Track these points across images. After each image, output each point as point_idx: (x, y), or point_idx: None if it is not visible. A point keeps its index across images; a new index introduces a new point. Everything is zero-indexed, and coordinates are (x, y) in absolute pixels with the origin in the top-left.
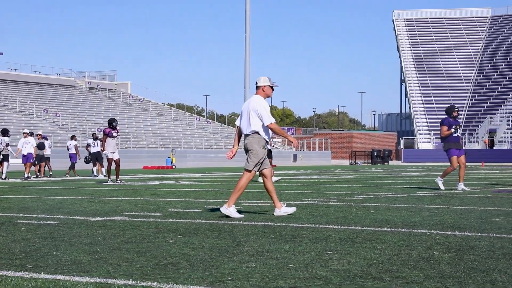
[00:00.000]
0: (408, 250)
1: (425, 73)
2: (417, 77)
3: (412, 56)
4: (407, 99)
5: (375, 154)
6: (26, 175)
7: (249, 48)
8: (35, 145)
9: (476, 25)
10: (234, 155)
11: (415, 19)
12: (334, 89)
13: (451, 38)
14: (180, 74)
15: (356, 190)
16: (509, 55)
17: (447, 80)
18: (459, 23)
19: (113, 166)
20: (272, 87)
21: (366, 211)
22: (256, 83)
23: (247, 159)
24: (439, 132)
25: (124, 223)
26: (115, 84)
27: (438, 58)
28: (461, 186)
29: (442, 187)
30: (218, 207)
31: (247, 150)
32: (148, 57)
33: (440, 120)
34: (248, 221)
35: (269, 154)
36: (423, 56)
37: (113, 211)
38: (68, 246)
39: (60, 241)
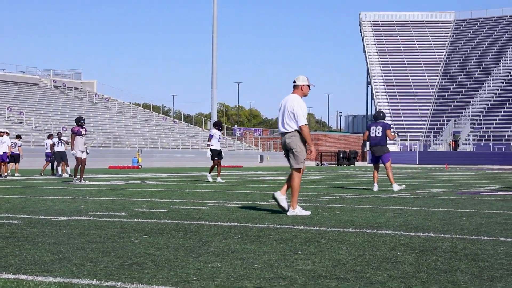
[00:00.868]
0: (372, 250)
1: (391, 75)
2: (383, 79)
3: (378, 58)
4: (373, 101)
5: (341, 155)
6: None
7: (216, 48)
8: (10, 144)
9: (441, 28)
10: None
11: (381, 21)
12: None
13: (417, 41)
14: (147, 74)
15: (322, 191)
16: (473, 59)
17: (412, 82)
18: (425, 26)
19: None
20: (309, 86)
21: (332, 212)
22: (294, 82)
23: (291, 158)
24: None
25: (89, 223)
26: (81, 82)
27: (404, 61)
28: (396, 187)
29: (397, 188)
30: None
31: (290, 149)
32: (114, 56)
33: (389, 124)
34: (214, 221)
35: (219, 154)
36: (389, 58)
37: (78, 210)
38: (32, 246)
39: (23, 240)
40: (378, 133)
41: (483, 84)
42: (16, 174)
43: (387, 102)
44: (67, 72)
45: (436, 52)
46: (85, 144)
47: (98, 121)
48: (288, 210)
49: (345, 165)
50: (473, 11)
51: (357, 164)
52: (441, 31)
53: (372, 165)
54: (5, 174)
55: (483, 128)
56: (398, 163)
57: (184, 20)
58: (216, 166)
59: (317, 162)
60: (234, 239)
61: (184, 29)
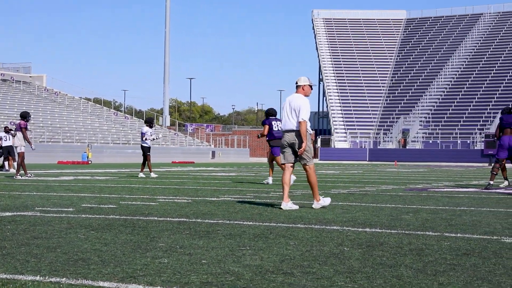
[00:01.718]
0: (319, 246)
1: (343, 73)
2: (334, 76)
3: (330, 55)
4: (324, 98)
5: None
6: None
7: (168, 44)
8: None
9: (392, 27)
10: None
11: (333, 19)
12: (254, 87)
13: (368, 39)
14: (99, 69)
15: (272, 187)
16: (423, 58)
17: (363, 80)
18: (376, 24)
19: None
20: (311, 86)
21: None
22: (297, 83)
23: (303, 156)
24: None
25: (35, 219)
26: (30, 76)
27: (356, 58)
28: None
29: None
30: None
31: (295, 146)
32: (65, 50)
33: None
34: (163, 217)
35: (148, 149)
36: (341, 56)
37: (24, 206)
38: None
39: None
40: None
41: (432, 82)
42: None
43: (339, 100)
44: (16, 65)
45: (387, 50)
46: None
47: (47, 116)
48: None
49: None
50: (423, 10)
51: None
52: (392, 29)
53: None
54: None
55: (431, 126)
56: (348, 160)
57: (136, 15)
58: (147, 162)
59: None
60: (182, 235)
61: (136, 24)
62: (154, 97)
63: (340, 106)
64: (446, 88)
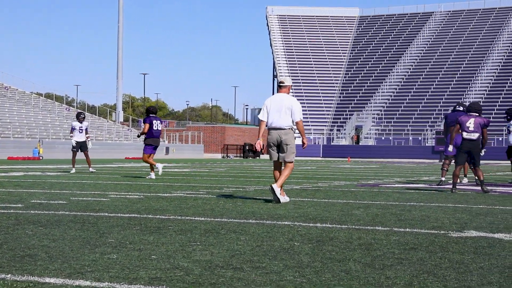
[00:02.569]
0: (270, 241)
1: (297, 69)
2: (288, 73)
3: (284, 52)
4: None
5: (247, 148)
6: None
7: (122, 38)
8: None
9: (345, 24)
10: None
11: (287, 15)
12: (208, 83)
13: (322, 36)
14: (50, 63)
15: (225, 183)
16: (375, 55)
17: (317, 77)
18: (330, 21)
19: None
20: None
21: (234, 203)
22: (283, 83)
23: (286, 151)
24: (310, 127)
25: None
26: None
27: (309, 55)
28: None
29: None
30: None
31: (285, 144)
32: (15, 44)
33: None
34: (114, 213)
35: (82, 146)
36: (295, 52)
37: None
38: None
39: None
40: (160, 126)
41: (384, 79)
42: None
43: (293, 96)
44: None
45: (341, 47)
46: None
47: None
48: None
49: (250, 158)
50: (376, 8)
51: (262, 156)
52: (346, 27)
53: None
54: None
55: (384, 123)
56: (302, 156)
57: (89, 9)
58: (86, 157)
59: (223, 154)
60: (133, 231)
61: (89, 18)
62: (108, 92)
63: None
64: (398, 85)
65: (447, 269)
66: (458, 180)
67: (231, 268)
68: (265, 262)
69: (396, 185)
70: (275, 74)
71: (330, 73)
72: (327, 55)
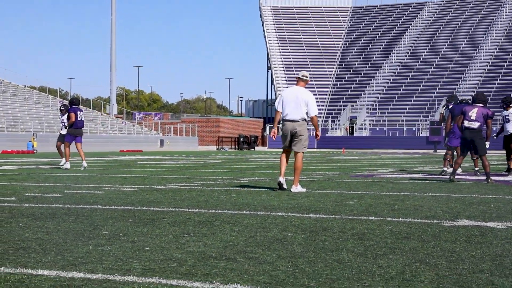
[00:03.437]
0: (264, 232)
1: (291, 61)
2: (282, 64)
3: (278, 43)
4: (273, 86)
5: (242, 140)
6: None
7: (115, 31)
8: None
9: (338, 15)
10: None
11: (281, 7)
12: (202, 75)
13: (315, 27)
14: (44, 57)
15: (220, 175)
16: (369, 45)
17: (311, 68)
18: (323, 12)
19: None
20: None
21: (228, 195)
22: (302, 76)
23: (298, 142)
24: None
25: None
26: None
27: (303, 46)
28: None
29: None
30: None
31: (299, 135)
32: (8, 37)
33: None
34: (108, 205)
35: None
36: (289, 44)
37: None
38: None
39: None
40: (83, 117)
41: (378, 70)
42: None
43: (287, 87)
44: None
45: (334, 38)
46: None
47: None
48: (290, 187)
49: (245, 150)
50: None
51: (257, 148)
52: (339, 17)
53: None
54: None
55: (378, 113)
56: None
57: (82, 1)
58: (65, 150)
59: (217, 146)
60: (126, 223)
61: (82, 11)
62: (101, 85)
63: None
64: (392, 76)
65: (439, 258)
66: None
67: (224, 259)
68: (258, 252)
69: (390, 175)
70: (269, 65)
71: (324, 64)
72: (321, 46)
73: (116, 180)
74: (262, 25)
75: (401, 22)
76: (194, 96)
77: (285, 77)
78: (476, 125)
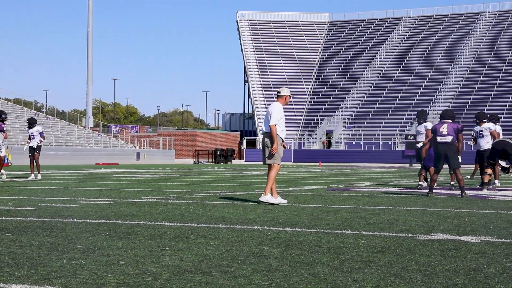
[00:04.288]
0: (239, 245)
1: (268, 75)
2: (259, 78)
3: (255, 57)
4: (250, 99)
5: (218, 153)
6: None
7: (91, 43)
8: None
9: (315, 29)
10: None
11: (258, 20)
12: (179, 88)
13: (292, 41)
14: (19, 68)
15: (196, 188)
16: (346, 59)
17: (288, 82)
18: (300, 26)
19: None
20: (290, 96)
21: (204, 208)
22: (279, 92)
23: (267, 154)
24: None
25: None
26: None
27: (280, 60)
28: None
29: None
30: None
31: (266, 146)
32: None
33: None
34: (83, 219)
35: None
36: (266, 57)
37: None
38: None
39: None
40: None
41: (355, 84)
42: None
43: (264, 101)
44: None
45: (311, 52)
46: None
47: None
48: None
49: (222, 163)
50: (346, 13)
51: (234, 162)
52: (316, 31)
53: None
54: None
55: (354, 127)
56: None
57: (58, 13)
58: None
59: (194, 160)
60: (101, 236)
61: (58, 23)
62: (77, 97)
63: (265, 107)
64: (368, 90)
65: (414, 272)
66: (490, 183)
67: (200, 273)
68: (234, 266)
69: (366, 189)
70: (246, 79)
71: (301, 78)
72: (298, 60)
73: (91, 193)
74: (240, 38)
75: (377, 36)
76: (171, 109)
77: (262, 90)
78: (449, 138)
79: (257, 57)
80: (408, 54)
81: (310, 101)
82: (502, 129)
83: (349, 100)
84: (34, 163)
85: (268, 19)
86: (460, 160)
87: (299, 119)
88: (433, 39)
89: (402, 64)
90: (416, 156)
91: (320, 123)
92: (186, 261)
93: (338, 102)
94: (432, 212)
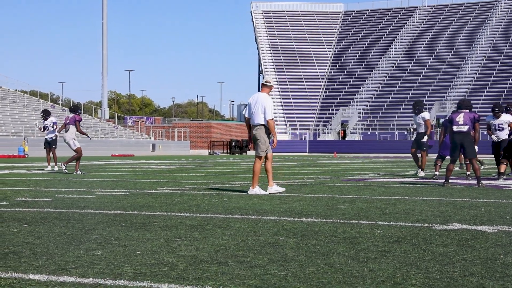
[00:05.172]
0: (255, 236)
1: (282, 65)
2: (274, 68)
3: (269, 48)
4: None
5: (234, 144)
6: None
7: (106, 35)
8: None
9: (330, 19)
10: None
11: (272, 11)
12: (194, 79)
13: (307, 31)
14: (35, 61)
15: (212, 179)
16: (360, 50)
17: (303, 72)
18: (314, 16)
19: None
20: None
21: (220, 199)
22: (269, 82)
23: (256, 146)
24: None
25: None
26: None
27: (295, 51)
28: None
29: None
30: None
31: (256, 139)
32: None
33: None
34: (99, 210)
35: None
36: (280, 48)
37: None
38: None
39: None
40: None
41: (370, 74)
42: None
43: (278, 92)
44: None
45: (326, 43)
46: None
47: None
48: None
49: (237, 154)
50: (360, 3)
51: (249, 152)
52: (330, 22)
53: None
54: None
55: (370, 118)
56: (288, 152)
57: (73, 5)
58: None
59: (209, 151)
60: (118, 227)
61: (73, 15)
62: (93, 89)
63: (280, 98)
64: (383, 80)
65: (430, 261)
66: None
67: (216, 263)
68: (250, 256)
69: (382, 180)
70: (260, 69)
71: (316, 69)
72: (312, 51)
73: (107, 185)
74: (254, 29)
75: (392, 26)
76: (186, 100)
77: (276, 81)
78: (465, 128)
79: (272, 47)
80: (423, 44)
81: (325, 92)
82: None
83: (364, 91)
84: (51, 154)
85: (282, 10)
86: (476, 150)
87: (314, 110)
88: (449, 28)
89: (417, 54)
90: (418, 145)
91: (335, 113)
92: (202, 251)
93: (353, 92)
94: (448, 202)
